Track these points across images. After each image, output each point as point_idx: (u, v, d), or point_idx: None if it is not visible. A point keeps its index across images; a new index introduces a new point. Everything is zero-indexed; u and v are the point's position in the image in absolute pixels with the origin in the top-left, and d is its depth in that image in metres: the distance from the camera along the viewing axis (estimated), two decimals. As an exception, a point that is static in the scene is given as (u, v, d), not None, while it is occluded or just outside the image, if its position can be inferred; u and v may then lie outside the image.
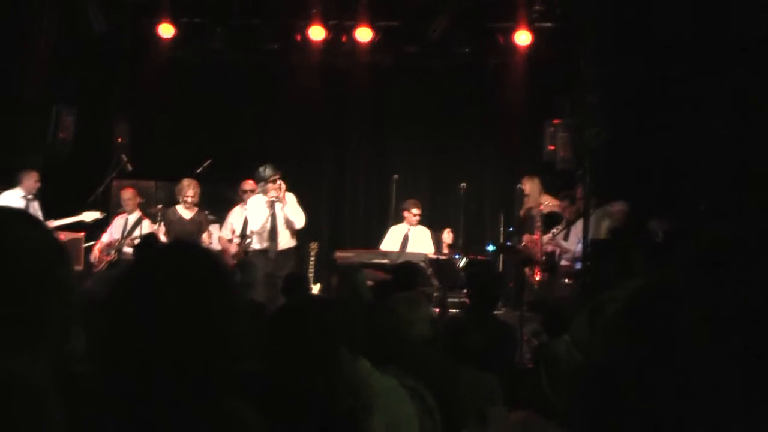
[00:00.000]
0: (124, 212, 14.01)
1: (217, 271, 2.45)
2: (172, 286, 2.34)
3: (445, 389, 4.98)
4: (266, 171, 13.39)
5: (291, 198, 13.59)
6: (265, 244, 13.46)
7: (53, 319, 2.26)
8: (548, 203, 14.41)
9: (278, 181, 13.32)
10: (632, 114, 13.89)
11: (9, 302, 2.19)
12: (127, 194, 14.03)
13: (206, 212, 13.83)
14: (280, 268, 12.69)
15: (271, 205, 13.37)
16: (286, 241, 13.53)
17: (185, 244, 2.66)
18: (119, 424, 2.27)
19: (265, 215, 13.41)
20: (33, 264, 2.24)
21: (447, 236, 14.22)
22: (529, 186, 14.52)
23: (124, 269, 2.47)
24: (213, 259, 2.50)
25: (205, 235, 13.65)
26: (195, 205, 13.62)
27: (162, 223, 13.52)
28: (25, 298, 2.21)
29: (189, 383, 2.28)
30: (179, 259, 2.45)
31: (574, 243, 13.39)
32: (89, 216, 13.82)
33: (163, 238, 13.01)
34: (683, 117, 13.46)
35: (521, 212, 14.70)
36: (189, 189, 13.50)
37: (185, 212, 13.59)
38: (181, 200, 13.59)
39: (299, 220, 13.53)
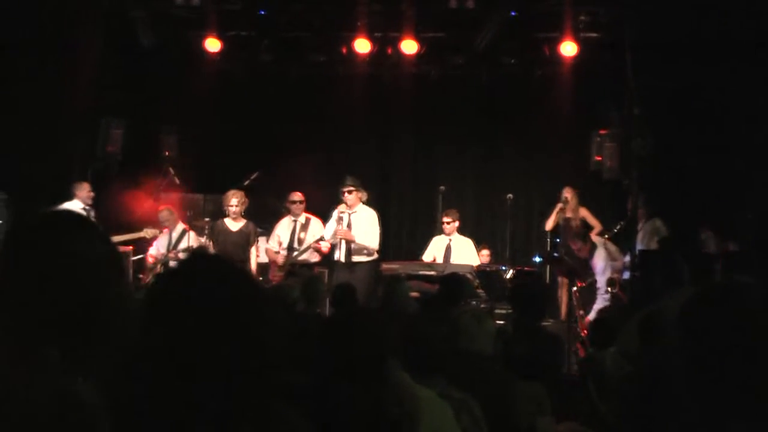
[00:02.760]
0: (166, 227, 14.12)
1: (242, 283, 2.44)
2: (196, 298, 2.34)
3: (496, 401, 4.98)
4: (344, 181, 13.51)
5: (367, 214, 13.63)
6: (341, 257, 13.48)
7: (112, 332, 2.30)
8: (586, 216, 14.40)
9: (350, 192, 13.41)
10: (679, 124, 13.84)
11: (72, 314, 2.23)
12: (164, 214, 14.16)
13: (254, 224, 13.86)
14: (354, 281, 12.54)
15: (339, 218, 13.43)
16: (358, 254, 13.47)
17: (212, 257, 2.67)
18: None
19: (333, 227, 13.49)
20: (98, 276, 2.29)
21: (484, 255, 14.25)
22: (569, 195, 14.48)
23: (154, 284, 2.47)
24: (236, 270, 2.49)
25: (253, 248, 13.71)
26: (242, 216, 13.67)
27: (210, 237, 13.60)
28: (88, 311, 2.25)
29: (230, 390, 2.29)
30: (203, 271, 2.44)
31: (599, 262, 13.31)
32: (150, 233, 13.95)
33: (212, 251, 13.12)
34: (730, 126, 13.41)
35: (552, 218, 14.60)
36: (232, 199, 13.56)
37: (232, 224, 13.66)
38: (226, 211, 13.65)
39: (365, 237, 13.43)
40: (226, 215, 13.75)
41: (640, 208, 13.47)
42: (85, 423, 2.14)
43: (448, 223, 14.14)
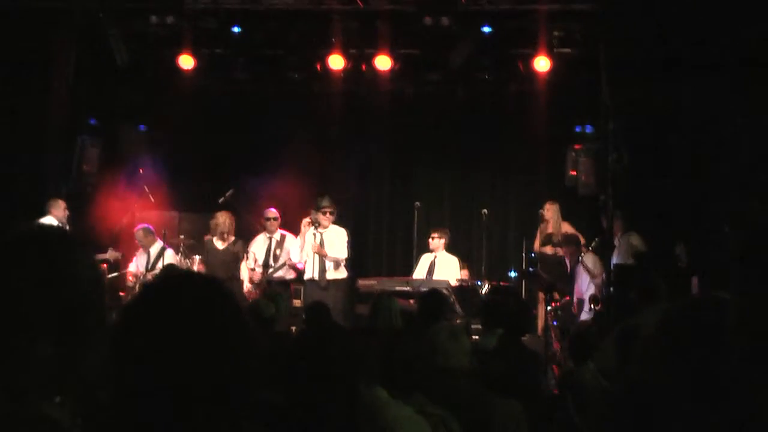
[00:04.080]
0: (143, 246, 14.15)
1: (218, 299, 2.39)
2: (167, 316, 2.31)
3: (474, 418, 4.99)
4: (321, 201, 13.75)
5: (338, 232, 13.88)
6: (315, 275, 13.59)
7: (92, 353, 2.29)
8: (567, 231, 14.47)
9: (327, 214, 13.64)
10: (654, 139, 13.91)
11: (60, 333, 2.22)
12: (139, 234, 14.29)
13: (242, 242, 13.97)
14: (327, 298, 12.58)
15: (313, 234, 13.65)
16: (331, 271, 13.66)
17: (187, 274, 2.66)
18: None
19: (298, 243, 13.80)
20: (86, 288, 2.29)
21: (464, 274, 14.31)
22: (551, 211, 14.56)
23: (130, 302, 2.44)
24: (214, 286, 2.43)
25: (243, 264, 14.00)
26: (230, 235, 13.84)
27: (187, 255, 13.68)
28: (75, 328, 2.24)
29: (203, 409, 2.25)
30: (181, 288, 2.40)
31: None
32: (113, 255, 13.98)
33: (201, 269, 13.39)
34: (705, 141, 13.48)
35: (537, 237, 14.72)
36: (218, 218, 13.90)
37: (219, 243, 13.82)
38: (212, 231, 13.99)
39: (334, 251, 13.68)
40: (214, 235, 13.97)
41: (616, 222, 13.54)
42: None
43: (433, 238, 14.24)
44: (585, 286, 13.62)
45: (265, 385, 3.33)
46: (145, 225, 14.35)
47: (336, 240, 13.77)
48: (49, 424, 2.14)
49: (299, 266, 13.86)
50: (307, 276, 13.73)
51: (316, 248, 13.56)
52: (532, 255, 14.56)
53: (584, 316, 13.08)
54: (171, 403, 2.23)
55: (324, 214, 13.65)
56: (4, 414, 2.12)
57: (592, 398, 6.93)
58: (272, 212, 14.18)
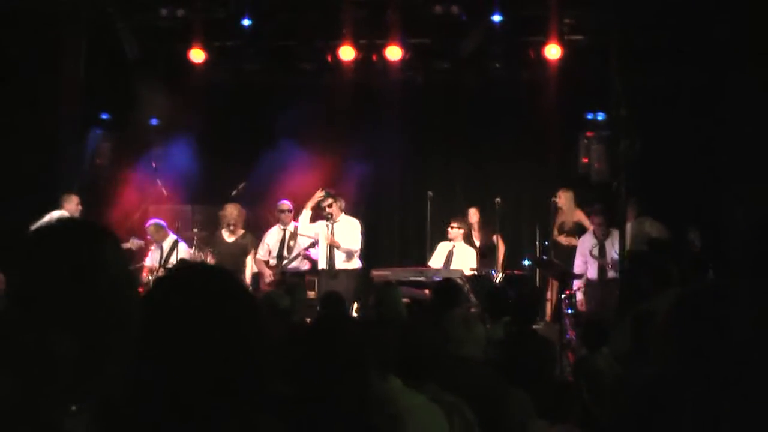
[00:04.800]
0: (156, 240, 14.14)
1: (230, 292, 2.42)
2: (181, 309, 2.33)
3: (488, 405, 4.99)
4: (320, 198, 13.82)
5: (350, 222, 13.89)
6: (324, 265, 13.64)
7: (119, 352, 2.26)
8: (581, 218, 14.46)
9: (330, 206, 13.67)
10: (666, 125, 13.86)
11: (89, 330, 2.19)
12: (151, 229, 14.18)
13: (252, 235, 13.95)
14: (337, 288, 12.45)
15: (326, 226, 13.72)
16: (341, 262, 13.65)
17: (198, 267, 2.65)
18: None
19: (322, 235, 13.76)
20: (116, 285, 2.27)
21: (473, 215, 14.51)
22: (564, 199, 14.53)
23: (143, 297, 2.45)
24: (226, 279, 2.47)
25: (249, 257, 13.91)
26: (239, 227, 13.80)
27: (200, 248, 13.62)
28: (104, 324, 2.23)
29: (217, 403, 2.26)
30: (192, 282, 2.42)
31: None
32: (135, 244, 13.96)
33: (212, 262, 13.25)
34: (717, 126, 13.43)
35: (555, 225, 14.72)
36: (227, 210, 13.75)
37: (227, 236, 13.85)
38: (222, 224, 13.88)
39: (347, 242, 13.67)
40: (222, 227, 13.94)
41: (630, 209, 13.52)
42: None
43: (453, 228, 14.33)
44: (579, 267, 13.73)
45: (279, 377, 3.32)
46: (156, 220, 14.32)
47: (348, 231, 13.75)
48: None
49: (312, 256, 13.89)
50: (320, 266, 13.76)
51: (329, 239, 13.54)
52: (545, 243, 14.55)
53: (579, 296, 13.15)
54: (184, 397, 2.24)
55: (329, 207, 13.67)
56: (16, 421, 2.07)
57: (606, 384, 6.93)
58: (285, 204, 14.17)
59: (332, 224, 13.65)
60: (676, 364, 2.71)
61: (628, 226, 13.48)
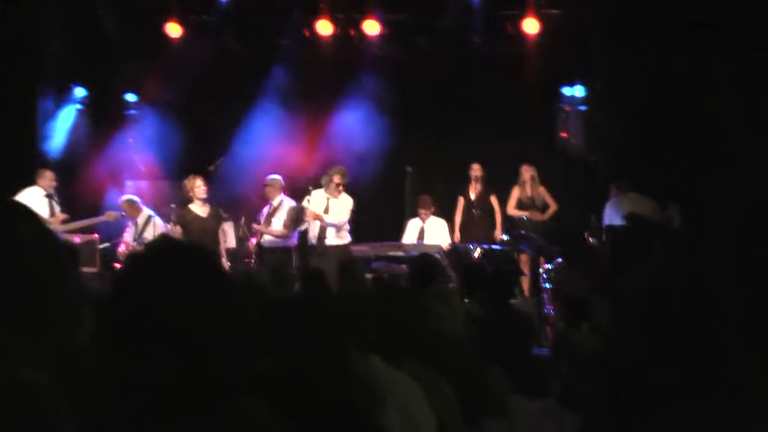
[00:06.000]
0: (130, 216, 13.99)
1: (210, 270, 2.41)
2: (165, 286, 2.31)
3: (467, 382, 4.96)
4: (336, 173, 13.53)
5: (344, 198, 13.66)
6: (314, 241, 13.52)
7: (53, 316, 2.24)
8: (544, 194, 14.47)
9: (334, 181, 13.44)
10: (645, 100, 13.84)
11: (9, 299, 2.17)
12: (125, 205, 13.93)
13: (219, 208, 13.72)
14: (323, 264, 12.32)
15: (326, 198, 13.54)
16: (332, 237, 13.52)
17: (175, 244, 2.60)
18: (130, 427, 2.23)
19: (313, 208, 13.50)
20: (31, 258, 2.23)
21: (477, 170, 14.59)
22: (529, 173, 14.52)
23: (120, 272, 2.45)
24: (206, 257, 2.45)
25: (220, 232, 13.60)
26: (206, 201, 13.53)
27: (178, 224, 13.39)
28: (23, 294, 2.20)
29: (198, 384, 2.24)
30: (172, 259, 2.39)
31: None
32: (112, 215, 13.79)
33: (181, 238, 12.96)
34: (697, 99, 13.40)
35: (511, 199, 14.71)
36: (196, 181, 13.39)
37: (200, 210, 13.46)
38: (191, 196, 13.48)
39: (334, 216, 13.48)
40: (191, 202, 13.56)
41: (611, 184, 13.50)
42: (43, 413, 2.08)
43: (425, 213, 14.44)
44: None
45: (259, 355, 3.28)
46: (130, 196, 14.16)
47: (340, 205, 13.58)
48: (27, 388, 2.09)
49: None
50: (308, 242, 13.63)
51: (312, 215, 13.34)
52: (524, 218, 14.50)
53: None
54: (160, 378, 2.22)
55: (343, 186, 13.51)
56: None
57: (585, 360, 6.92)
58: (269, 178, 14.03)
59: (328, 199, 13.49)
60: (645, 340, 2.72)
61: (613, 201, 13.45)
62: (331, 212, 13.44)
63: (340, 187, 13.45)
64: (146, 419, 2.21)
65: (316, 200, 13.48)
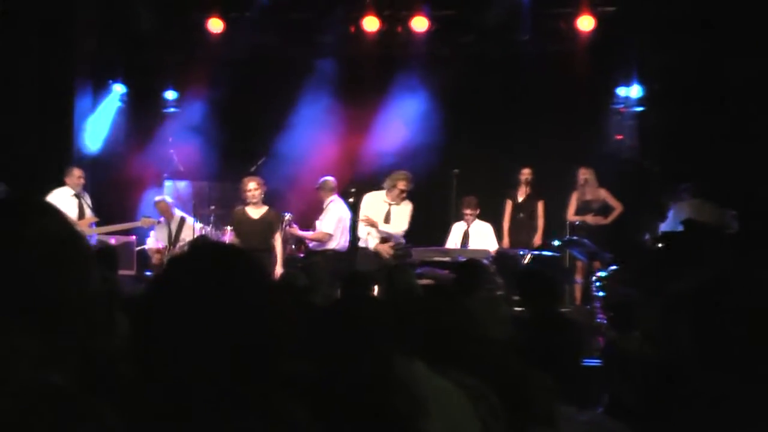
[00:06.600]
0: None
1: (245, 271, 2.36)
2: (204, 288, 2.27)
3: (513, 389, 4.81)
4: (401, 179, 13.40)
5: (405, 207, 13.55)
6: (368, 245, 13.40)
7: (74, 320, 2.15)
8: (606, 196, 14.17)
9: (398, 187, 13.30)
10: (699, 100, 13.60)
11: (23, 301, 2.08)
12: (160, 207, 13.87)
13: (275, 210, 13.44)
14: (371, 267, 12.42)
15: (388, 204, 13.45)
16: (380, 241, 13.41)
17: (214, 245, 2.73)
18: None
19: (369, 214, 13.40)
20: (48, 259, 2.12)
21: (527, 174, 14.55)
22: (587, 175, 14.22)
23: (157, 275, 2.41)
24: (241, 257, 2.41)
25: (277, 235, 13.31)
26: (262, 203, 13.32)
27: (230, 225, 13.18)
28: (39, 296, 2.10)
29: (235, 385, 2.22)
30: (210, 260, 2.37)
31: None
32: (147, 222, 13.72)
33: (233, 240, 12.88)
34: (750, 102, 13.19)
35: (570, 204, 14.41)
36: (249, 183, 13.21)
37: (253, 211, 13.26)
38: (245, 198, 13.28)
39: (392, 226, 13.38)
40: (244, 203, 13.32)
41: (677, 188, 13.23)
42: (77, 416, 1.99)
43: (469, 214, 14.24)
44: None
45: (299, 358, 3.14)
46: (164, 197, 14.13)
47: (402, 213, 13.46)
48: (53, 390, 2.01)
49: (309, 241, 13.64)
50: (362, 245, 13.48)
51: (367, 221, 13.21)
52: (576, 223, 14.21)
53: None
54: (197, 380, 2.21)
55: (402, 194, 13.35)
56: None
57: (636, 368, 6.73)
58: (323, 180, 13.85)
59: (390, 205, 13.42)
60: (693, 346, 2.69)
61: (676, 207, 13.14)
62: (393, 220, 13.35)
63: (404, 194, 13.33)
64: (183, 424, 2.20)
65: (372, 205, 13.35)
